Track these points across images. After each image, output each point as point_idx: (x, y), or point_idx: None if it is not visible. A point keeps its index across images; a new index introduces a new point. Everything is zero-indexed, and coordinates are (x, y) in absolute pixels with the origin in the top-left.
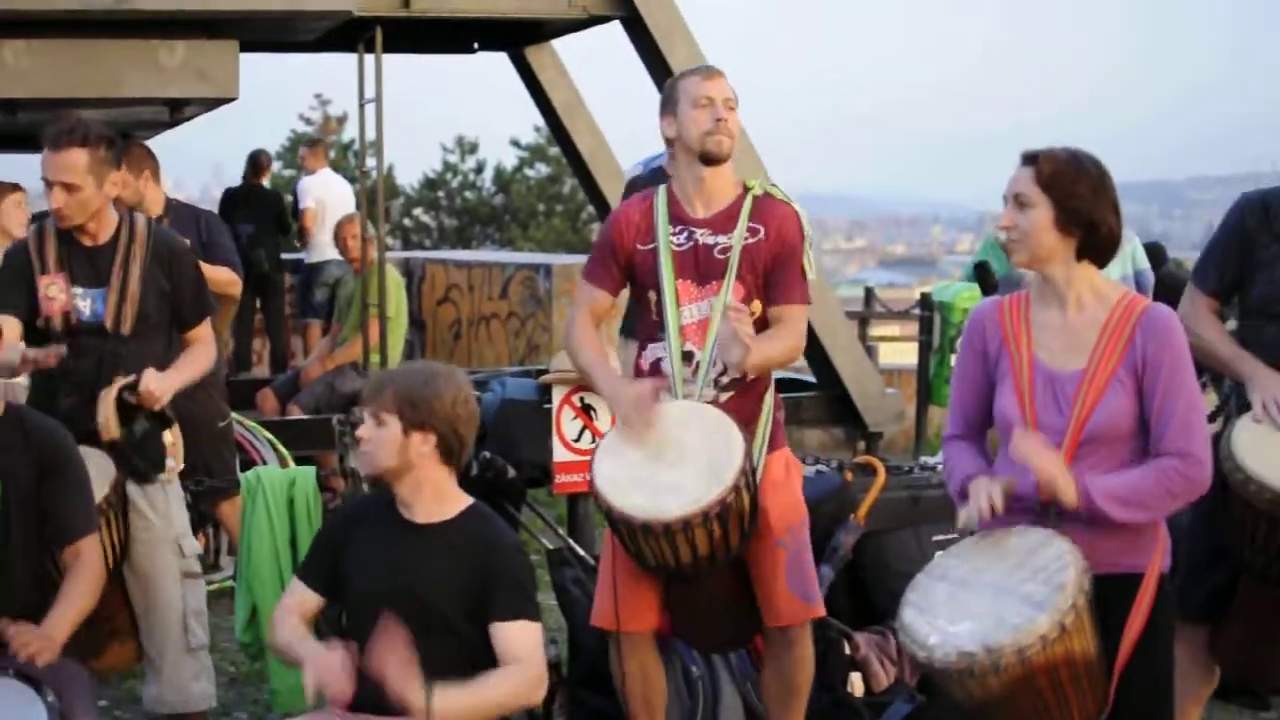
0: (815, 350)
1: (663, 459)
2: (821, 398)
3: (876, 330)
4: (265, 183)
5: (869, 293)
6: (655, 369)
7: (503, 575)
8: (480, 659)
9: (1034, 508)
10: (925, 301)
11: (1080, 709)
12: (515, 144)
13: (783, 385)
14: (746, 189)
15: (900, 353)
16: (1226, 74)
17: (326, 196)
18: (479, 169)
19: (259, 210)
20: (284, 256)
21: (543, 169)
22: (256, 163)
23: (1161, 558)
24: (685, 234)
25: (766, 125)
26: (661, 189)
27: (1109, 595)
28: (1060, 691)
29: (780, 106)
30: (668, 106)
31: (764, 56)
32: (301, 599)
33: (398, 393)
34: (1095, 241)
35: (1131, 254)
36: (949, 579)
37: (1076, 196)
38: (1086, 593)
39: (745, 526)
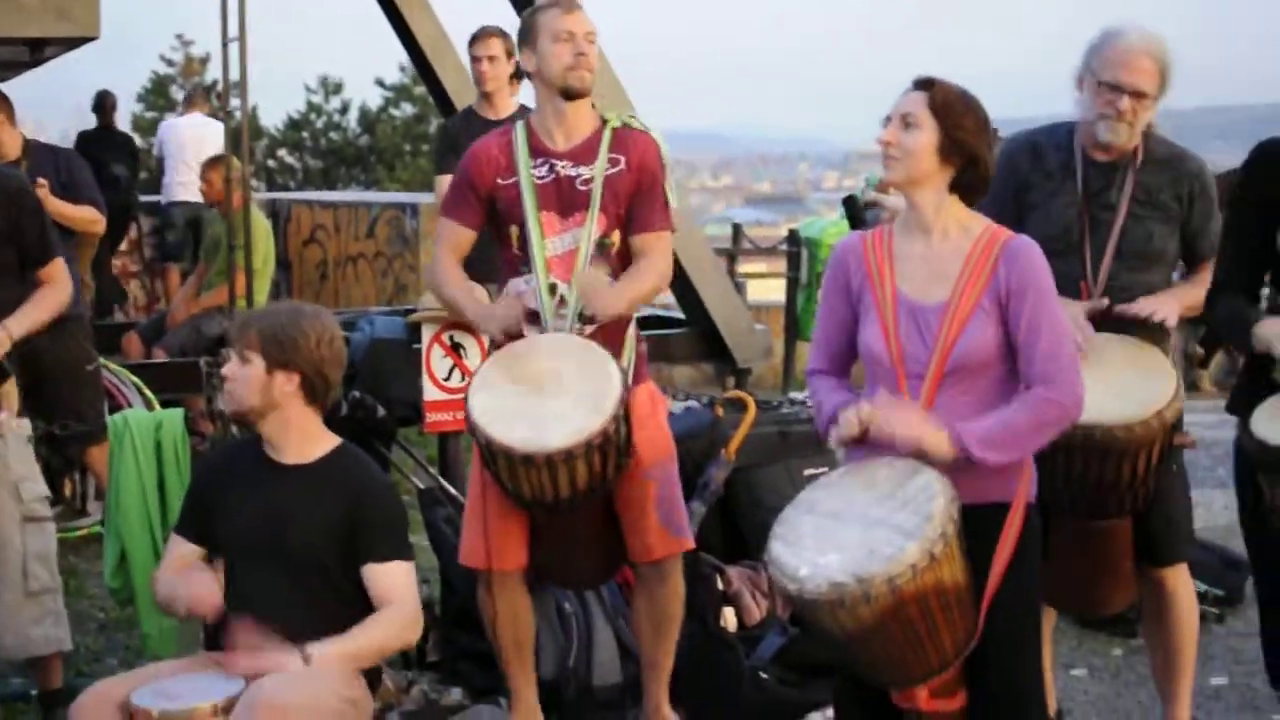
0: (684, 287)
1: (541, 391)
2: (690, 334)
3: (745, 267)
4: (111, 124)
5: (737, 229)
6: (516, 299)
7: (374, 516)
8: (354, 599)
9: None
10: (793, 238)
11: (951, 637)
12: (380, 84)
13: (652, 322)
14: (605, 121)
15: (769, 289)
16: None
17: (187, 137)
18: (344, 109)
19: (112, 151)
20: (150, 199)
21: (408, 109)
22: (104, 104)
23: (1028, 487)
24: (547, 166)
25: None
26: (520, 123)
27: (977, 524)
28: (931, 620)
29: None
30: (526, 39)
31: None
32: (180, 554)
33: (262, 332)
34: (971, 176)
35: None
36: (817, 511)
37: (964, 128)
38: (955, 521)
39: (620, 458)
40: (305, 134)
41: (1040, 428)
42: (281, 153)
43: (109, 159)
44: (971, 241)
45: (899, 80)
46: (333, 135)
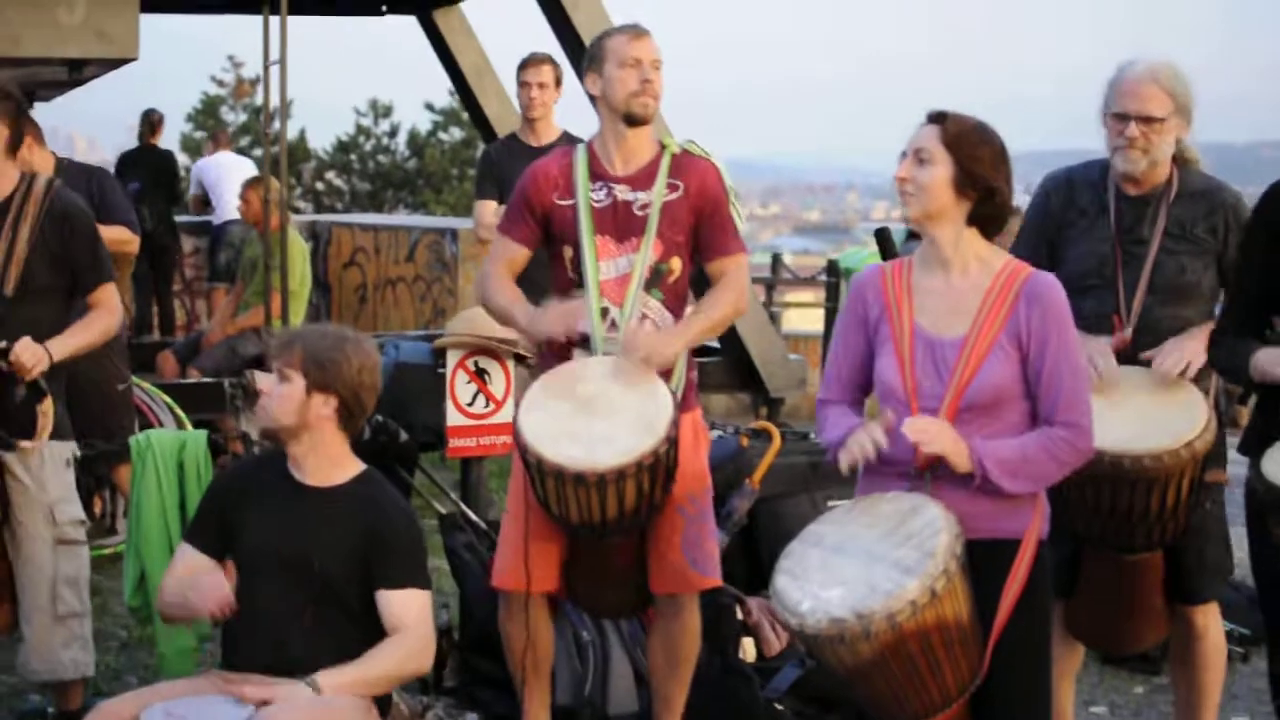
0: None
1: (592, 411)
2: (725, 363)
3: (789, 297)
4: (158, 142)
5: (776, 258)
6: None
7: (392, 543)
8: (367, 624)
9: (909, 472)
10: (832, 268)
11: (954, 674)
12: (429, 108)
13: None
14: (664, 147)
15: (809, 319)
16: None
17: (223, 166)
18: (393, 132)
19: (149, 170)
20: (190, 220)
21: (457, 133)
22: (149, 122)
23: (1040, 523)
24: (605, 190)
25: (682, 89)
26: (581, 145)
27: (986, 561)
28: (933, 657)
29: (696, 72)
30: (593, 64)
31: (677, 20)
32: (189, 564)
33: (306, 351)
34: (989, 209)
35: None
36: (823, 545)
37: (979, 160)
38: (959, 558)
39: (668, 482)
40: (353, 156)
41: (1057, 465)
42: (330, 175)
43: (152, 176)
44: (991, 277)
45: (953, 107)
46: (381, 158)
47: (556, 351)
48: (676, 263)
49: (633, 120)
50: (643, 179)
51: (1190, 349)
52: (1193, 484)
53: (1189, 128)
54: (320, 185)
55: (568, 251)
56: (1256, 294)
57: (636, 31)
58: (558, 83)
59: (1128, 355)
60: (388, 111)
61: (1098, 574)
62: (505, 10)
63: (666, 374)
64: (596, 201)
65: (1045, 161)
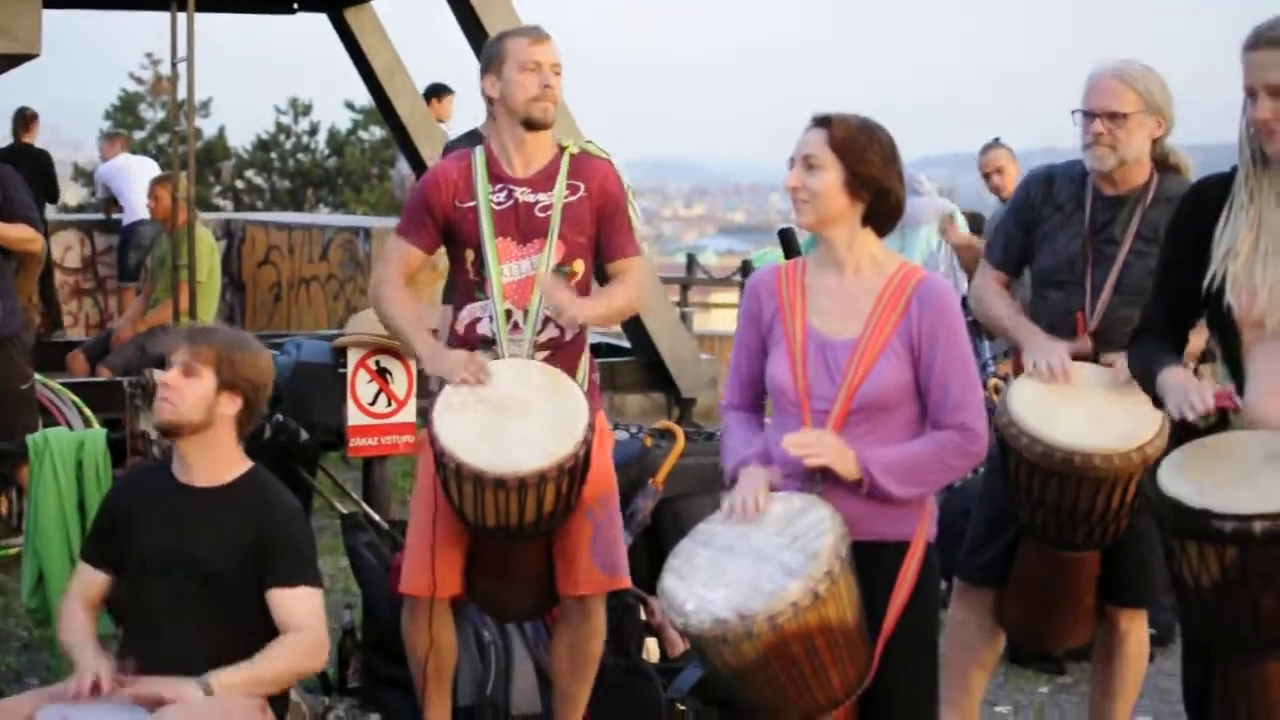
0: (630, 316)
1: (507, 414)
2: (637, 363)
3: (711, 297)
4: (33, 141)
5: (690, 259)
6: (471, 330)
7: (282, 541)
8: (260, 624)
9: (802, 474)
10: (747, 268)
11: (841, 677)
12: (350, 106)
13: (599, 350)
14: (563, 148)
15: (729, 320)
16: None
17: (125, 168)
18: (313, 131)
19: (23, 170)
20: (101, 219)
21: (377, 132)
22: (22, 119)
23: (928, 526)
24: (505, 192)
25: (607, 90)
26: (479, 148)
27: (875, 563)
28: (817, 659)
29: (622, 70)
30: (491, 66)
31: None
32: (87, 582)
33: (219, 348)
34: (882, 208)
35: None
36: (713, 544)
37: (867, 162)
38: (843, 560)
39: (582, 484)
40: (273, 155)
41: (945, 470)
42: (249, 173)
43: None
44: (885, 279)
45: (880, 108)
46: (301, 157)
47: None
48: (579, 265)
49: (532, 125)
50: (543, 181)
51: None
52: (1139, 489)
53: (1164, 128)
54: (240, 183)
55: (469, 254)
56: (1175, 290)
57: (537, 35)
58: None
59: (1089, 356)
60: (308, 110)
61: (1033, 567)
62: (417, 9)
63: (571, 374)
64: (497, 204)
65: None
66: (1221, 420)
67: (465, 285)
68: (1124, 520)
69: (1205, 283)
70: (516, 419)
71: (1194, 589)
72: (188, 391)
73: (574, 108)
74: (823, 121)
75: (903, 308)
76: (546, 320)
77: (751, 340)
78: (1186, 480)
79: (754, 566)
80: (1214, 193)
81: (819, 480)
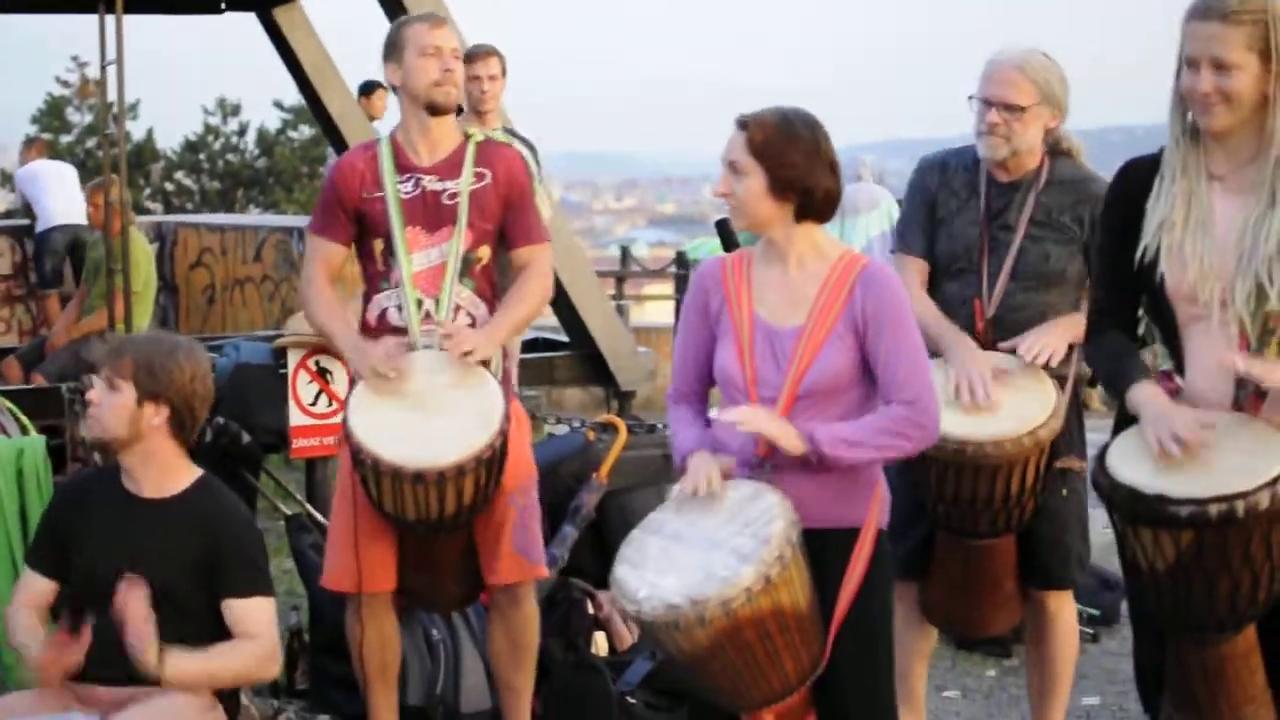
0: (566, 310)
1: (423, 407)
2: (575, 357)
3: (644, 289)
4: None
5: (625, 251)
6: (382, 320)
7: (234, 551)
8: (215, 634)
9: (750, 461)
10: (681, 260)
11: (794, 662)
12: (278, 106)
13: (539, 344)
14: (468, 136)
15: (663, 312)
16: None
17: (41, 174)
18: (241, 131)
19: None
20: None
21: (306, 131)
22: None
23: (879, 513)
24: (412, 181)
25: (537, 85)
26: (384, 138)
27: (826, 549)
28: (771, 645)
29: (553, 65)
30: (392, 53)
31: (532, 19)
32: (33, 589)
33: (136, 360)
34: (812, 204)
35: (888, 210)
36: (663, 533)
37: (788, 165)
38: (795, 545)
39: (500, 474)
40: (202, 156)
41: (895, 437)
42: (179, 175)
43: None
44: (829, 267)
45: (803, 100)
46: (230, 157)
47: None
48: (485, 251)
49: (435, 109)
50: (449, 168)
51: (1052, 339)
52: (1038, 471)
53: (1060, 117)
54: (169, 185)
55: (378, 244)
56: (1117, 274)
57: (435, 20)
58: (504, 73)
59: (986, 342)
60: (236, 110)
61: (948, 558)
62: (346, 7)
63: (484, 365)
64: (405, 193)
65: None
66: None
67: (373, 275)
68: (1029, 504)
69: (1138, 255)
70: (432, 412)
71: (1149, 573)
72: (109, 406)
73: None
74: (743, 124)
75: (846, 294)
76: (458, 309)
77: (698, 331)
78: (1137, 466)
79: (706, 553)
80: (1143, 171)
81: (767, 468)
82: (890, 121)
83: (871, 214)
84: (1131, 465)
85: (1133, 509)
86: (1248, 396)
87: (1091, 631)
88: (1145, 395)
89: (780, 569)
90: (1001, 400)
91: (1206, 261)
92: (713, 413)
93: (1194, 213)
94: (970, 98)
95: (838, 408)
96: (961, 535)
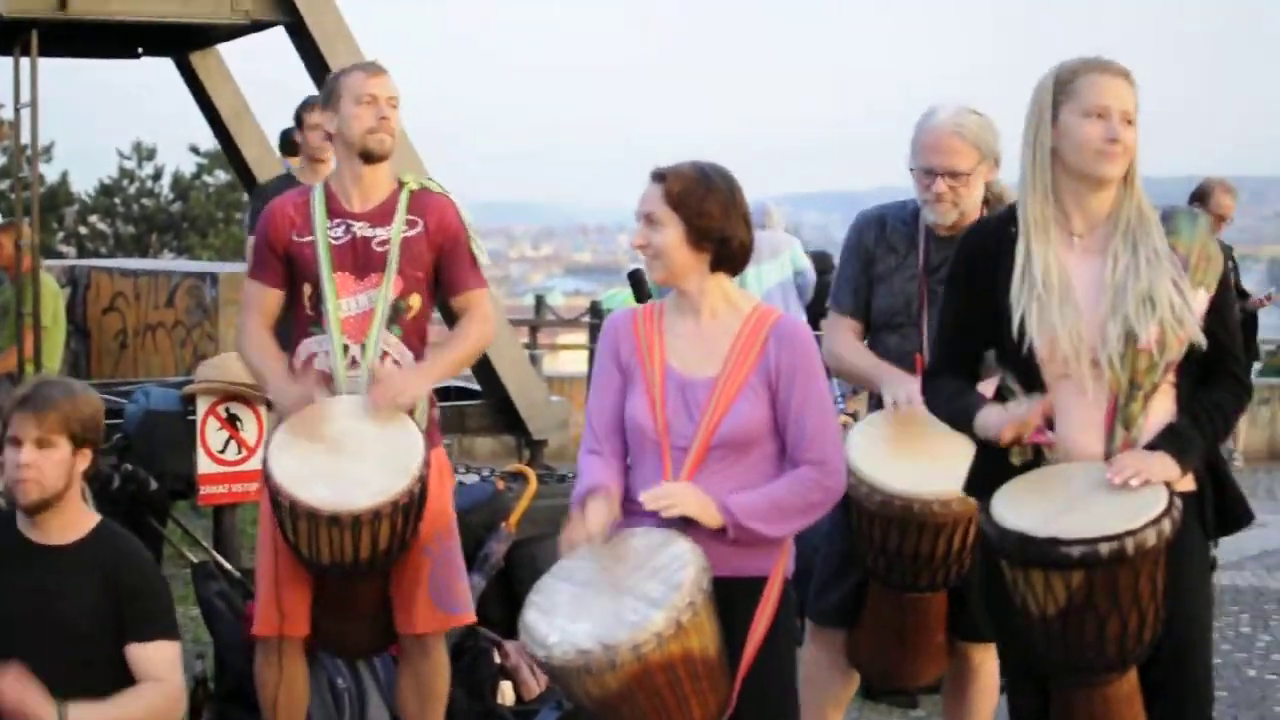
0: (479, 359)
1: (342, 451)
2: (487, 405)
3: (560, 338)
4: None
5: (539, 300)
6: (308, 365)
7: (139, 596)
8: (120, 681)
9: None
10: (595, 309)
11: (701, 708)
12: (194, 150)
13: (451, 393)
14: (402, 183)
15: (578, 361)
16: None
17: None
18: (157, 175)
19: None
20: None
21: (222, 176)
22: None
23: (786, 562)
24: (343, 227)
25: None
26: (319, 184)
27: (733, 598)
28: (679, 690)
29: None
30: (330, 101)
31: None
32: None
33: (67, 414)
34: (728, 254)
35: (791, 257)
36: (573, 580)
37: (706, 215)
38: (706, 591)
39: (418, 520)
40: (117, 200)
41: (806, 508)
42: (93, 219)
43: None
44: (741, 320)
45: (714, 153)
46: (145, 201)
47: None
48: (416, 299)
49: (369, 157)
50: (381, 215)
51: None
52: (979, 529)
53: (997, 166)
54: (84, 229)
55: (307, 289)
56: (961, 334)
57: (373, 69)
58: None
59: None
60: (152, 154)
61: (882, 608)
62: (263, 53)
63: (409, 411)
64: (335, 239)
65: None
66: (1036, 457)
67: (301, 320)
68: (967, 559)
69: (1014, 325)
70: (351, 456)
71: (1039, 618)
72: (48, 465)
73: (421, 150)
74: (659, 177)
75: (760, 347)
76: (385, 355)
77: (610, 383)
78: (1024, 512)
79: (616, 599)
80: (990, 229)
81: (679, 518)
82: (817, 176)
83: (772, 262)
84: (1017, 512)
85: (1024, 553)
86: (1118, 450)
87: (1003, 681)
88: (990, 414)
89: (691, 615)
90: (948, 457)
91: (1074, 330)
92: (642, 496)
93: (1057, 280)
94: (912, 170)
95: (750, 461)
96: (902, 590)
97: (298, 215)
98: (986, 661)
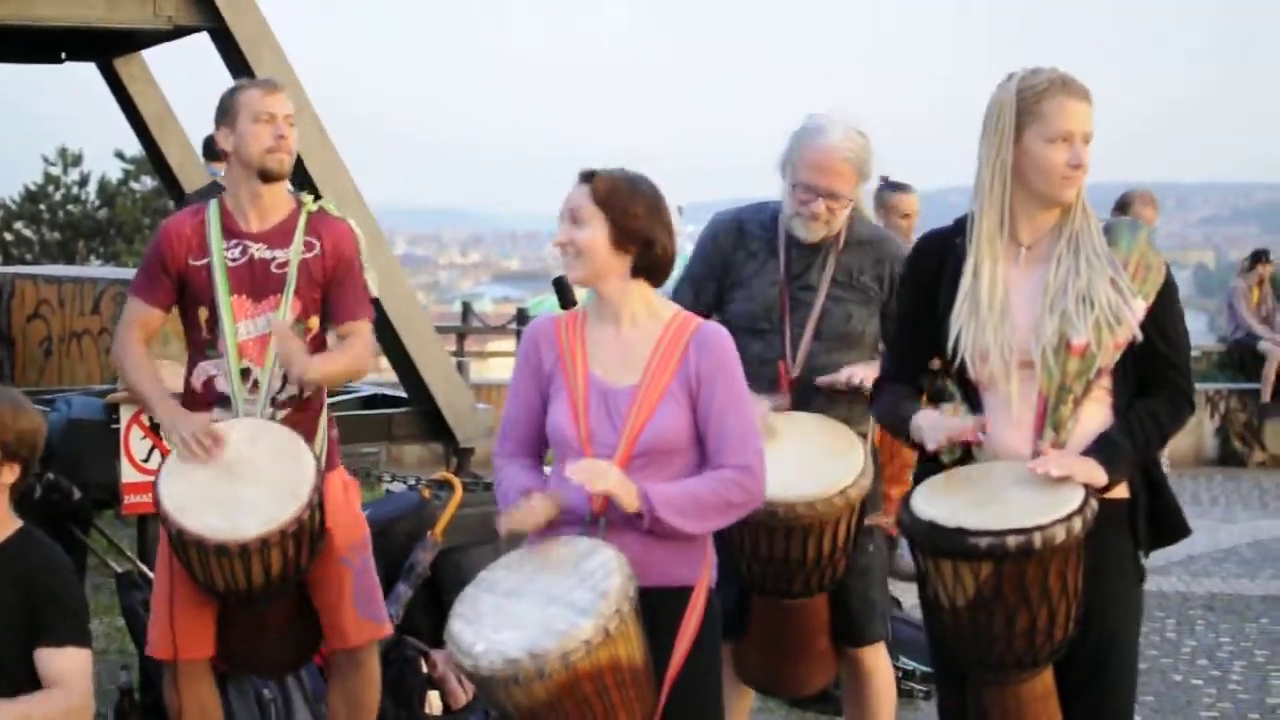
0: (405, 366)
1: (234, 477)
2: (414, 414)
3: (489, 345)
4: None
5: (466, 307)
6: (208, 387)
7: (53, 601)
8: (31, 686)
9: (585, 519)
10: (522, 316)
11: (628, 717)
12: (120, 156)
13: (375, 401)
14: (300, 204)
15: (505, 368)
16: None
17: None
18: (83, 181)
19: None
20: None
21: (149, 182)
22: None
23: (709, 571)
24: (240, 248)
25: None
26: (214, 202)
27: (658, 608)
28: (607, 699)
29: (398, 122)
30: (225, 118)
31: (378, 73)
32: None
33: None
34: (650, 259)
35: None
36: (497, 590)
37: (632, 215)
38: (632, 599)
39: (314, 545)
40: (43, 206)
41: (725, 507)
42: (18, 225)
43: None
44: (662, 327)
45: (647, 164)
46: (71, 208)
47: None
48: (314, 320)
49: (267, 176)
50: (279, 236)
51: (865, 370)
52: (849, 530)
53: (863, 185)
54: (9, 236)
55: (203, 312)
56: (910, 343)
57: (270, 86)
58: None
59: (795, 403)
60: (77, 160)
61: (763, 618)
62: (188, 59)
63: (310, 435)
64: (231, 260)
65: None
66: (965, 454)
67: (198, 342)
68: (841, 562)
69: (950, 340)
70: (243, 482)
71: (949, 610)
72: None
73: (346, 154)
74: (587, 177)
75: (681, 354)
76: (285, 379)
77: (529, 391)
78: (939, 504)
79: (543, 608)
80: (937, 245)
81: (602, 525)
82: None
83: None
84: (933, 504)
85: (933, 542)
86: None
87: (925, 689)
88: (924, 418)
89: (619, 622)
90: (814, 460)
91: (1006, 345)
92: (568, 468)
93: (999, 301)
94: (794, 185)
95: (673, 468)
96: (776, 596)
97: (194, 236)
98: (879, 663)
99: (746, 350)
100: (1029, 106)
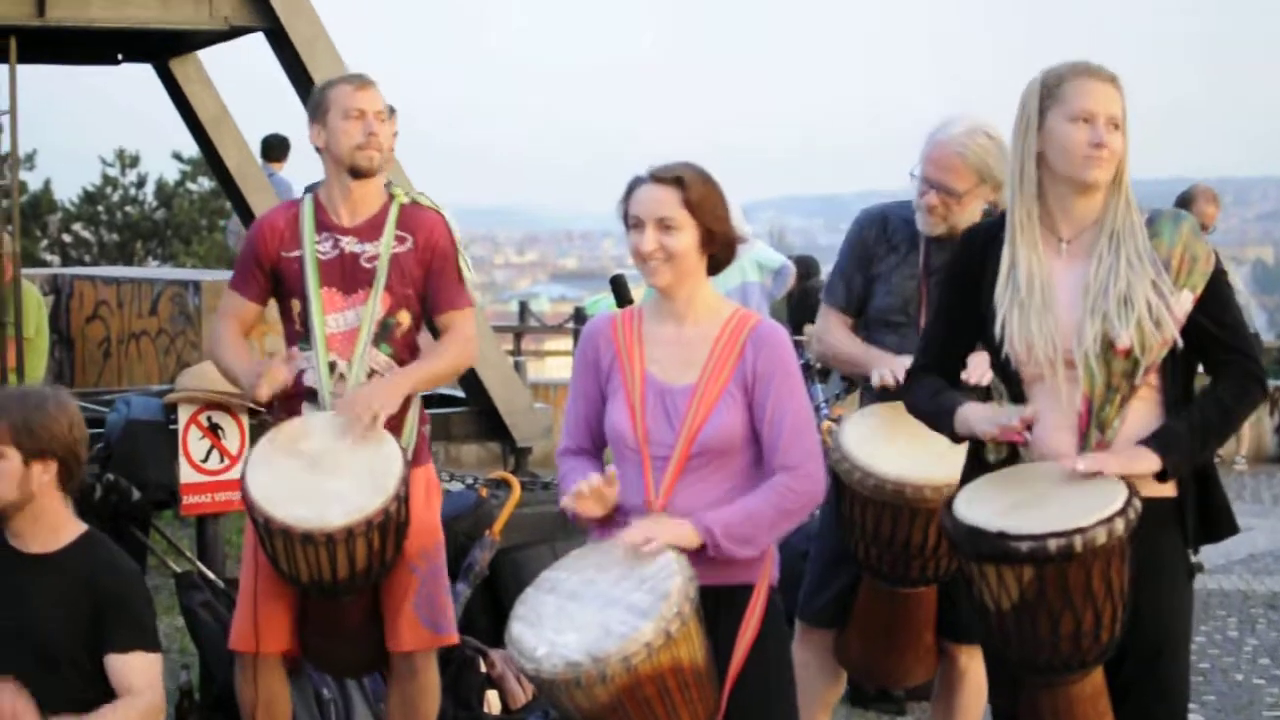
0: (462, 373)
1: (320, 468)
2: (471, 413)
3: (546, 344)
4: None
5: (523, 306)
6: (297, 381)
7: (119, 606)
8: (103, 692)
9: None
10: (580, 315)
11: (690, 717)
12: (177, 157)
13: (434, 400)
14: (392, 197)
15: (563, 367)
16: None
17: None
18: (140, 183)
19: None
20: None
21: (206, 183)
22: None
23: (770, 570)
24: (331, 242)
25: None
26: (308, 196)
27: (720, 607)
28: (669, 701)
29: (453, 121)
30: (317, 114)
31: (433, 71)
32: None
33: (13, 424)
34: (724, 258)
35: (754, 262)
36: (558, 592)
37: (720, 218)
38: (693, 601)
39: (399, 539)
40: (101, 208)
41: (783, 517)
42: (77, 226)
43: None
44: (720, 325)
45: (698, 156)
46: (129, 209)
47: (286, 407)
48: (405, 316)
49: (358, 173)
50: (370, 230)
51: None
52: None
53: (1000, 189)
54: (67, 237)
55: (295, 305)
56: (948, 335)
57: (361, 82)
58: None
59: None
60: (135, 161)
61: (872, 606)
62: (243, 60)
63: (398, 429)
64: (323, 254)
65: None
66: (1011, 455)
67: (292, 335)
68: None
69: (995, 329)
70: (329, 473)
71: (995, 614)
72: None
73: (404, 156)
74: (673, 181)
75: (738, 352)
76: (373, 373)
77: (589, 387)
78: (981, 508)
79: (603, 610)
80: (980, 238)
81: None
82: (801, 180)
83: (730, 268)
84: (974, 508)
85: (976, 547)
86: (1091, 451)
87: None
88: (973, 409)
89: (680, 624)
90: (942, 447)
91: (1051, 336)
92: (621, 539)
93: (1040, 287)
94: (912, 174)
95: (730, 467)
96: (890, 582)
97: (287, 229)
98: (973, 664)
99: (881, 343)
100: (1051, 90)
